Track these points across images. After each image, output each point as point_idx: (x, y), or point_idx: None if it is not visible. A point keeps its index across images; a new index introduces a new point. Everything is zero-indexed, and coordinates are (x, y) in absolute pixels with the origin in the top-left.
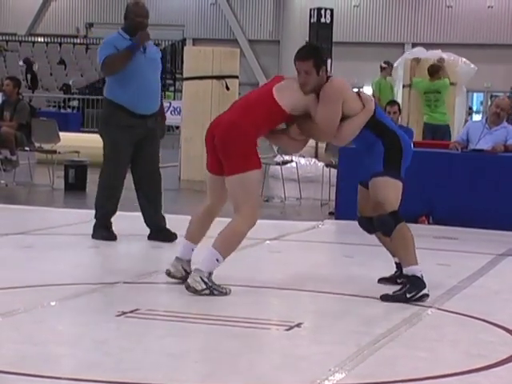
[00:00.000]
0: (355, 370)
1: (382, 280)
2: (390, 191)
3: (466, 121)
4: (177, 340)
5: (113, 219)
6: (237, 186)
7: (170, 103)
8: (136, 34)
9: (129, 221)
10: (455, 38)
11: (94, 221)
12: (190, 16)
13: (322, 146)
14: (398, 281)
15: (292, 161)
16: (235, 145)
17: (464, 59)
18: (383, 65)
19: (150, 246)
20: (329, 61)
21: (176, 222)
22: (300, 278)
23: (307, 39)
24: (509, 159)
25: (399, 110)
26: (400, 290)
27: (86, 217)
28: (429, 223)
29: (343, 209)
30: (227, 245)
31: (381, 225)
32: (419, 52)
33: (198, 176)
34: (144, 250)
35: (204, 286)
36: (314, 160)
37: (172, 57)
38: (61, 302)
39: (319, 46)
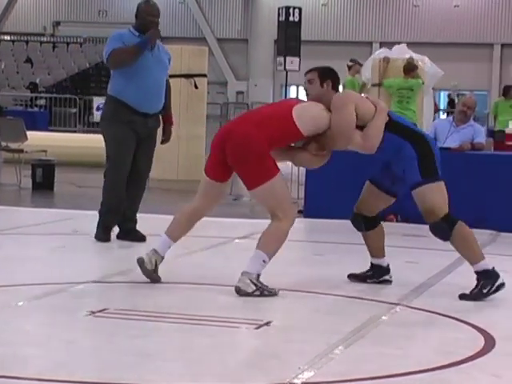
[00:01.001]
0: (324, 368)
1: (351, 276)
2: (435, 196)
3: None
4: (146, 339)
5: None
6: (265, 196)
7: None
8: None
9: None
10: (422, 36)
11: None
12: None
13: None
14: (369, 280)
15: None
16: (250, 156)
17: (429, 62)
18: (349, 63)
19: (119, 246)
20: (297, 59)
21: (144, 220)
22: (270, 277)
23: (275, 38)
24: (475, 157)
25: None
26: (476, 287)
27: (54, 216)
28: (397, 221)
29: (312, 207)
30: (272, 246)
31: (437, 232)
32: (387, 51)
33: (167, 175)
34: (113, 250)
35: (254, 288)
36: None
37: None
38: (29, 301)
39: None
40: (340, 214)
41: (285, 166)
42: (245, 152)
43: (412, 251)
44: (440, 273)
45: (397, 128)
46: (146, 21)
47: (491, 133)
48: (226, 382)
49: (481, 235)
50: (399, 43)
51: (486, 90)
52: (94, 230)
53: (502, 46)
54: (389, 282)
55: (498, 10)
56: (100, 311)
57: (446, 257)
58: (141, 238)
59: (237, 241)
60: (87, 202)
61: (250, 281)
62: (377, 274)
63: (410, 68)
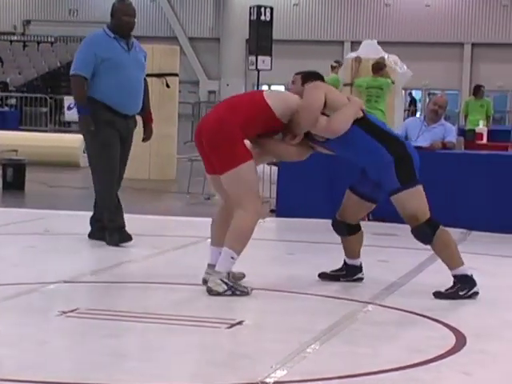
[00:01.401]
0: (297, 367)
1: (323, 275)
2: (415, 201)
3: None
4: (118, 339)
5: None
6: (233, 182)
7: None
8: (122, 33)
9: (71, 220)
10: (394, 36)
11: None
12: None
13: None
14: (342, 279)
15: None
16: (222, 140)
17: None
18: (333, 64)
19: (91, 246)
20: (269, 58)
21: None
22: (246, 277)
23: (247, 37)
24: (446, 156)
25: None
26: (452, 287)
27: (25, 216)
28: (368, 220)
29: (284, 206)
30: (239, 241)
31: (419, 236)
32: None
33: (139, 174)
34: (85, 250)
35: (226, 287)
36: None
37: None
38: (0, 302)
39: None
40: (312, 213)
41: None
42: (217, 136)
43: (384, 250)
44: (411, 271)
45: (374, 130)
46: (122, 21)
47: (462, 132)
48: (199, 382)
49: (452, 234)
50: None
51: (456, 90)
52: (67, 230)
53: (473, 45)
54: (361, 279)
55: (469, 10)
56: (71, 311)
57: (418, 255)
58: (129, 238)
59: (209, 240)
60: (58, 201)
61: (221, 280)
62: (350, 273)
63: (379, 67)
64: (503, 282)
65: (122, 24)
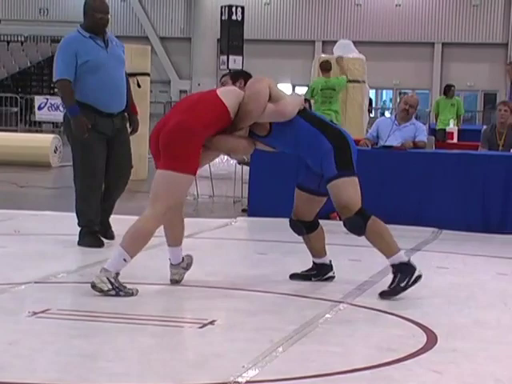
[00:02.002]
0: (268, 367)
1: (294, 276)
2: (349, 191)
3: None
4: (89, 340)
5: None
6: (165, 182)
7: None
8: (96, 31)
9: (42, 220)
10: (365, 35)
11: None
12: None
13: None
14: (313, 279)
15: None
16: (180, 144)
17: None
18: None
19: (62, 246)
20: (240, 58)
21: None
22: (213, 276)
23: (219, 37)
24: (417, 155)
25: (310, 107)
26: (393, 282)
27: None
28: (340, 219)
29: (256, 206)
30: (135, 244)
31: (351, 227)
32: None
33: None
34: (55, 250)
35: (110, 287)
36: (226, 157)
37: None
38: None
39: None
40: (283, 212)
41: (227, 165)
42: (176, 139)
43: (355, 249)
44: (383, 270)
45: (313, 120)
46: (95, 18)
47: (433, 131)
48: (170, 382)
49: (423, 232)
50: None
51: (427, 89)
52: (38, 231)
53: (443, 44)
54: (332, 278)
55: (440, 10)
56: (42, 312)
57: None
58: (112, 237)
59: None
60: (29, 202)
61: (108, 279)
62: (321, 272)
63: (326, 67)
64: (473, 281)
65: (95, 21)
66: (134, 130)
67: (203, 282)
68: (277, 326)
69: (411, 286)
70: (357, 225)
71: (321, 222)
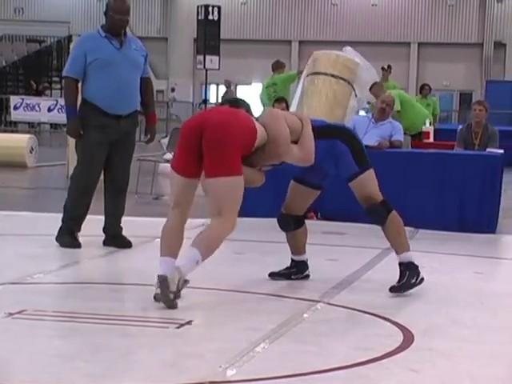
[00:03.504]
0: (246, 367)
1: (273, 274)
2: (372, 183)
3: None
4: (66, 340)
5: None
6: (225, 189)
7: (57, 101)
8: (114, 32)
9: (18, 220)
10: (341, 35)
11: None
12: (75, 12)
13: None
14: (293, 277)
15: None
16: (229, 145)
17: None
18: (385, 67)
19: (38, 246)
20: (217, 58)
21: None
22: (191, 276)
23: (195, 36)
24: (393, 155)
25: (287, 106)
26: (402, 277)
27: None
28: (317, 218)
29: None
30: (209, 249)
31: (374, 214)
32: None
33: None
34: (31, 251)
35: (175, 290)
36: None
37: (58, 54)
38: None
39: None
40: (261, 212)
41: None
42: (222, 138)
43: (332, 249)
44: (360, 270)
45: (320, 133)
46: (114, 19)
47: None
48: (147, 382)
49: None
50: (318, 42)
51: (403, 89)
52: (14, 231)
53: (419, 44)
54: (308, 276)
55: (416, 9)
56: (18, 312)
57: (365, 254)
58: (127, 244)
59: (157, 240)
60: (4, 202)
61: (178, 281)
62: (300, 270)
63: (276, 66)
64: (449, 280)
65: (113, 22)
66: (151, 140)
67: None
68: (254, 325)
69: (417, 285)
70: (380, 213)
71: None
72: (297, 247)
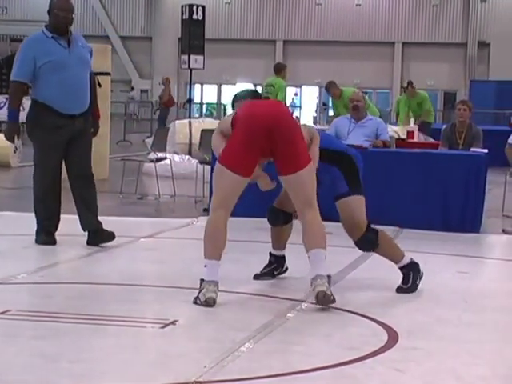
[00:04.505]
0: (230, 366)
1: (257, 276)
2: (360, 210)
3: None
4: (49, 341)
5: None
6: (307, 179)
7: None
8: (60, 30)
9: (1, 220)
10: (325, 35)
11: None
12: None
13: (196, 143)
14: (275, 272)
15: (166, 158)
16: (297, 136)
17: None
18: (404, 85)
19: (22, 246)
20: (201, 57)
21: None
22: (175, 276)
23: (179, 36)
24: (378, 154)
25: None
26: (408, 279)
27: None
28: (297, 218)
29: None
30: (325, 240)
31: (366, 245)
32: None
33: None
34: (14, 250)
35: (330, 291)
36: (187, 157)
37: None
38: None
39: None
40: (242, 212)
41: (189, 164)
42: (294, 132)
43: None
44: (344, 269)
45: (324, 156)
46: (59, 17)
47: None
48: (132, 382)
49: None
50: (302, 41)
51: (387, 89)
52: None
53: (403, 44)
54: (287, 268)
55: (400, 9)
56: (2, 313)
57: (350, 254)
58: (109, 237)
59: (142, 240)
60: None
61: (328, 284)
62: (280, 264)
63: (277, 68)
64: (434, 279)
65: (58, 20)
66: (94, 134)
67: (165, 281)
68: (239, 325)
69: (420, 279)
70: (370, 242)
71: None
72: (279, 242)
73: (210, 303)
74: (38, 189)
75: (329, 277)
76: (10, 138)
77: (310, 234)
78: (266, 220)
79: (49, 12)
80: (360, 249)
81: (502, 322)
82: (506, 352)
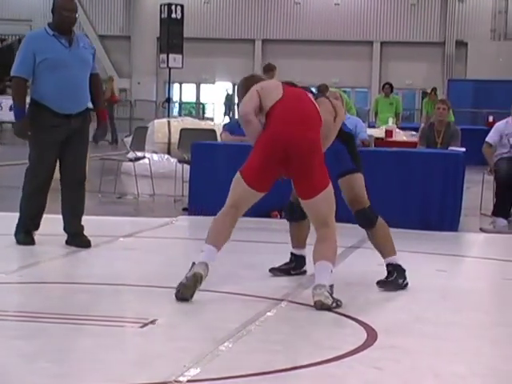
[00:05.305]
0: (210, 365)
1: (273, 270)
2: (361, 186)
3: None
4: (29, 341)
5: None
6: (324, 202)
7: None
8: (63, 30)
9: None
10: (304, 34)
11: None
12: (37, 10)
13: (175, 142)
14: (292, 272)
15: (145, 157)
16: (315, 162)
17: None
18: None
19: (3, 246)
20: (180, 56)
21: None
22: (155, 275)
23: (158, 35)
24: (362, 154)
25: None
26: (391, 276)
27: None
28: (281, 217)
29: (196, 204)
30: (334, 255)
31: (364, 219)
32: None
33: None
34: None
35: (332, 300)
36: (166, 156)
37: None
38: None
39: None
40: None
41: (168, 163)
42: (310, 159)
43: None
44: None
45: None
46: (62, 16)
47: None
48: (111, 382)
49: (362, 230)
50: (281, 41)
51: (366, 88)
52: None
53: (382, 43)
54: (305, 272)
55: (378, 8)
56: None
57: None
58: (86, 243)
59: (121, 239)
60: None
61: (329, 294)
62: (299, 265)
63: (267, 69)
64: (412, 278)
65: (62, 19)
66: (101, 137)
67: (145, 281)
68: (218, 324)
69: (403, 288)
70: (369, 217)
71: (261, 220)
72: (299, 239)
73: (197, 277)
74: (28, 187)
75: (331, 286)
76: (23, 137)
77: (320, 247)
78: (255, 220)
79: (53, 11)
80: (358, 222)
81: (479, 319)
82: (483, 350)
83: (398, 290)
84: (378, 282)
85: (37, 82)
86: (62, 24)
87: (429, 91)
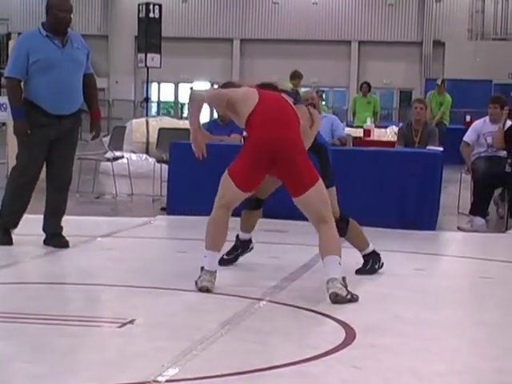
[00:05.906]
0: (188, 365)
1: (222, 262)
2: (333, 200)
3: None
4: (6, 341)
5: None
6: (316, 197)
7: None
8: (57, 30)
9: None
10: (282, 33)
11: None
12: (14, 9)
13: (153, 141)
14: (241, 257)
15: (123, 157)
16: (301, 157)
17: None
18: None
19: None
20: (158, 56)
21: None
22: (133, 275)
23: (136, 34)
24: (334, 153)
25: None
26: (367, 263)
27: None
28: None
29: (175, 204)
30: (339, 248)
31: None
32: None
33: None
34: None
35: (346, 292)
36: (145, 156)
37: None
38: None
39: None
40: (202, 210)
41: (146, 163)
42: (295, 158)
43: (274, 247)
44: (302, 267)
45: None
46: (57, 17)
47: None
48: (90, 382)
49: None
50: (260, 40)
51: (344, 87)
52: None
53: (360, 43)
54: (252, 248)
55: (356, 8)
56: None
57: (307, 252)
58: (64, 244)
59: (99, 239)
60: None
61: (342, 285)
62: (245, 247)
63: (293, 76)
64: (391, 277)
65: (57, 20)
66: (96, 136)
67: (123, 280)
68: (197, 324)
69: (380, 268)
70: (341, 229)
71: (236, 219)
72: (249, 225)
73: (202, 291)
74: (12, 184)
75: (344, 278)
76: (24, 135)
77: (324, 244)
78: (233, 219)
79: (47, 11)
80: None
81: (457, 318)
82: (462, 348)
83: (374, 273)
84: (357, 271)
85: (30, 83)
86: (57, 25)
87: (439, 83)
